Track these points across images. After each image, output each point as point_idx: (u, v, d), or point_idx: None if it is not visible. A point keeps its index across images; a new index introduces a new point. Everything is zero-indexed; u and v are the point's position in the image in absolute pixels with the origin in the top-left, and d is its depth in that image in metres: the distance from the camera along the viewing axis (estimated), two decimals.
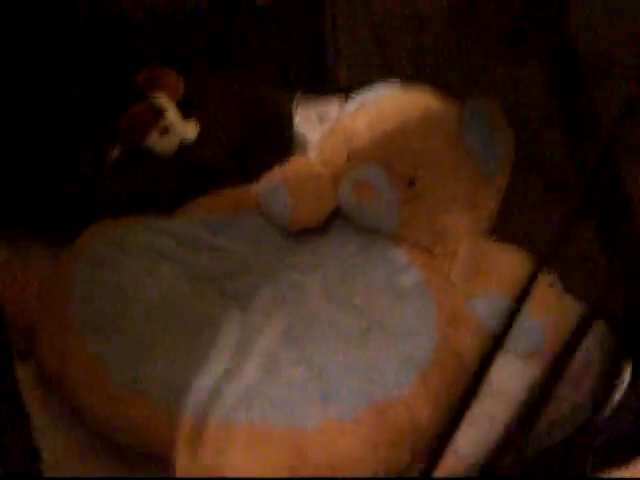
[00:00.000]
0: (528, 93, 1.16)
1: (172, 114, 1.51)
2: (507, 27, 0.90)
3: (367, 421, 0.90)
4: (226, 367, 0.97)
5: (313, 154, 1.41)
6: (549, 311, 1.08)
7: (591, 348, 1.06)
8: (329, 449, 0.87)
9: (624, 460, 0.94)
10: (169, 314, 1.07)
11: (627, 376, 1.01)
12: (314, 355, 0.99)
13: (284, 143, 1.58)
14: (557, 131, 1.10)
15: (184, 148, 1.50)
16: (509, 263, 1.13)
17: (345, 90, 1.68)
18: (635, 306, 0.97)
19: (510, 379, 1.02)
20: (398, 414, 0.92)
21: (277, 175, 1.31)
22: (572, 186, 1.09)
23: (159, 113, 1.50)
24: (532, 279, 0.93)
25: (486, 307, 1.08)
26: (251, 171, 1.41)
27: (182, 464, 0.86)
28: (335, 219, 1.28)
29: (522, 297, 0.92)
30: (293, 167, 1.33)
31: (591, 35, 1.03)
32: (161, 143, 1.49)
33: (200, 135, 1.52)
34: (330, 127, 1.41)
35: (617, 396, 0.97)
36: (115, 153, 1.47)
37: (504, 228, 1.22)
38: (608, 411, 0.96)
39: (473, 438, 0.93)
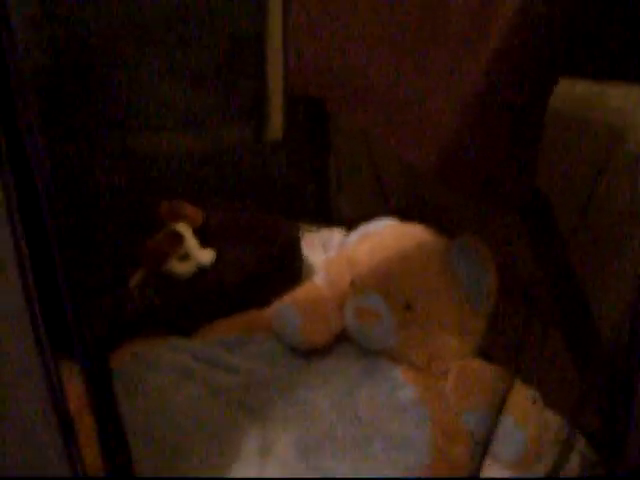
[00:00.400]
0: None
1: (190, 241, 1.66)
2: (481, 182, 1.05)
3: None
4: (244, 472, 1.09)
5: (319, 278, 1.55)
6: (531, 423, 1.20)
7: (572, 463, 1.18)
8: None
9: None
10: (194, 425, 1.19)
11: None
12: (324, 463, 1.11)
13: (293, 269, 1.73)
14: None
15: (201, 272, 1.64)
16: (494, 381, 1.27)
17: (346, 221, 1.85)
18: (608, 417, 1.08)
19: None
20: None
21: (288, 299, 1.45)
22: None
23: (179, 240, 1.65)
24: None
25: (477, 421, 1.21)
26: (264, 295, 1.56)
27: None
28: (341, 340, 1.41)
29: (500, 407, 1.05)
30: (302, 292, 1.48)
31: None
32: (180, 268, 1.63)
33: (216, 261, 1.66)
34: (335, 255, 1.57)
35: None
36: (139, 276, 1.62)
37: (490, 346, 1.35)
38: None
39: None
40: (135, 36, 1.51)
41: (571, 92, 1.12)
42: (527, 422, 1.20)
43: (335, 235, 1.90)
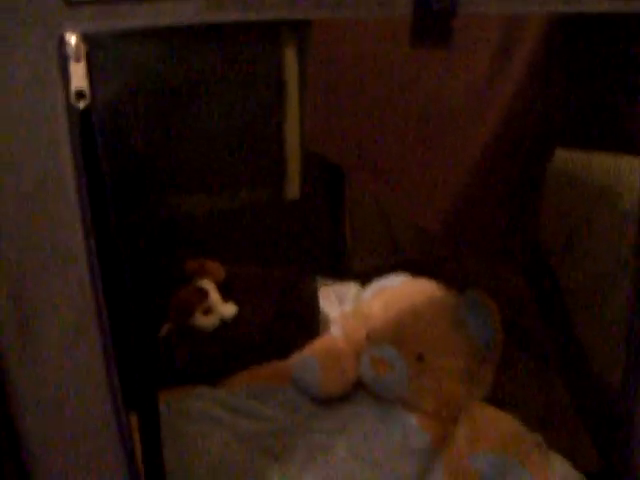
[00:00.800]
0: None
1: (214, 296, 1.75)
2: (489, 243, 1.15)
3: None
4: None
5: (335, 331, 1.65)
6: (538, 467, 1.28)
7: None
8: None
9: None
10: (223, 469, 1.28)
11: None
12: None
13: (311, 322, 1.82)
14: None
15: (224, 326, 1.73)
16: (502, 426, 1.35)
17: (361, 275, 1.95)
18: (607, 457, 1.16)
19: None
20: None
21: (308, 351, 1.55)
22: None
23: (203, 295, 1.74)
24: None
25: (485, 463, 1.29)
26: (283, 347, 1.65)
27: None
28: (357, 389, 1.50)
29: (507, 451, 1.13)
30: (321, 344, 1.58)
31: None
32: (204, 321, 1.72)
33: (237, 315, 1.76)
34: (351, 310, 1.66)
35: None
36: (166, 329, 1.72)
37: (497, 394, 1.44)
38: None
39: None
40: (175, 103, 1.61)
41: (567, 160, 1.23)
42: (532, 465, 1.28)
43: (350, 288, 1.99)
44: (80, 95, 0.56)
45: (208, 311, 1.73)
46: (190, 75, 1.68)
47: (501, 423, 1.36)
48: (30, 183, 0.57)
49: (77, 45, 0.54)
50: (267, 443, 1.37)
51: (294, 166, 2.01)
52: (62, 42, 0.54)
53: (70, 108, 0.56)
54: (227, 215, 1.96)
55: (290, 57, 1.92)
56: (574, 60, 0.99)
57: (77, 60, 0.55)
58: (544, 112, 1.02)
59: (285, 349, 1.64)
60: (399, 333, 1.46)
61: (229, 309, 1.74)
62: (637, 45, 0.89)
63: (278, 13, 0.63)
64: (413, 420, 1.41)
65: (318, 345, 1.58)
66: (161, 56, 1.29)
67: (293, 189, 2.03)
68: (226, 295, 1.77)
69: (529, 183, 1.11)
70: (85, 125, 0.56)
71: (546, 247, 1.22)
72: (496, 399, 1.44)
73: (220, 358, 1.66)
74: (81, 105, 0.56)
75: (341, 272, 2.09)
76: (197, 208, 1.94)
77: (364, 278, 1.80)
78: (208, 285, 1.78)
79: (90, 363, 0.65)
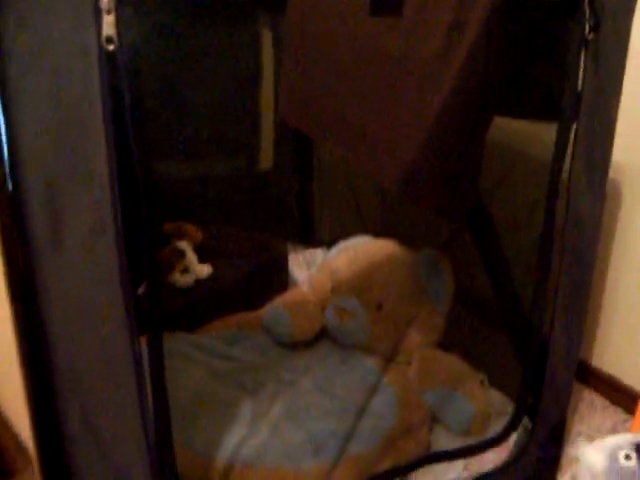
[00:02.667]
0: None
1: (191, 257, 1.88)
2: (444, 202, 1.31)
3: (345, 467, 1.26)
4: (244, 433, 1.33)
5: (304, 287, 1.80)
6: (478, 400, 1.46)
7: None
8: None
9: None
10: (200, 399, 1.43)
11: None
12: (309, 424, 1.35)
13: (280, 283, 1.97)
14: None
15: (199, 284, 1.87)
16: (449, 366, 1.52)
17: (327, 243, 2.10)
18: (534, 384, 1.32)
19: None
20: (367, 463, 1.28)
21: (278, 302, 1.71)
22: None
23: (181, 255, 1.87)
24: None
25: (435, 397, 1.46)
26: (255, 303, 1.80)
27: None
28: (323, 336, 1.67)
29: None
30: (290, 296, 1.73)
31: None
32: (181, 280, 1.85)
33: (212, 275, 1.89)
34: (318, 267, 1.82)
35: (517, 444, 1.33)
36: (144, 287, 1.85)
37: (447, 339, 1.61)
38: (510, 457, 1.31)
39: None
40: (163, 78, 1.73)
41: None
42: (475, 398, 1.46)
43: (317, 255, 2.15)
44: (109, 40, 0.71)
45: (185, 270, 1.85)
46: (182, 47, 1.80)
47: (449, 363, 1.54)
48: (66, 106, 0.72)
49: (108, 1, 0.70)
50: (239, 379, 1.52)
51: (268, 138, 2.15)
52: None
53: (101, 50, 0.71)
54: (205, 182, 2.08)
55: (266, 35, 2.06)
56: (508, 36, 1.15)
57: (108, 12, 0.70)
58: (488, 82, 1.18)
59: (256, 303, 1.79)
60: (361, 285, 1.63)
61: (205, 269, 1.88)
62: (556, 26, 1.05)
63: None
64: (371, 362, 1.57)
65: (287, 296, 1.73)
66: (173, 20, 1.43)
67: (267, 159, 2.18)
68: (202, 256, 1.90)
69: (474, 146, 1.27)
70: (111, 64, 0.72)
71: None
72: (446, 344, 1.60)
73: (196, 311, 1.80)
74: (110, 48, 0.71)
75: (310, 239, 2.24)
76: (177, 174, 2.05)
77: (331, 244, 1.93)
78: (186, 246, 1.90)
79: (107, 261, 0.79)
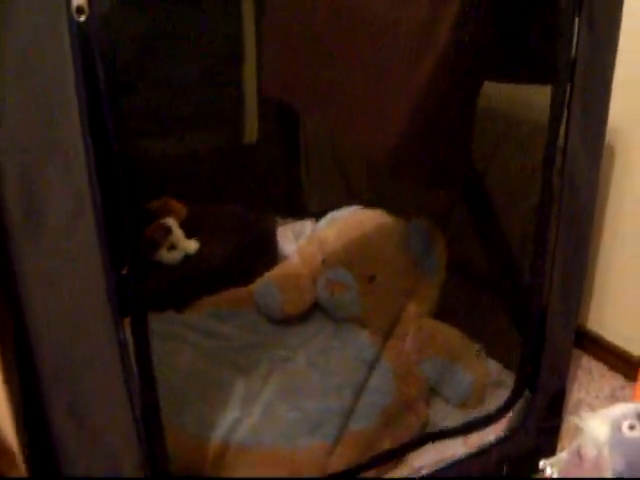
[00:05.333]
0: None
1: (177, 233, 1.85)
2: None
3: (345, 444, 1.24)
4: (237, 414, 1.30)
5: (294, 260, 1.77)
6: (476, 370, 1.43)
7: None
8: (316, 461, 1.20)
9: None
10: (192, 380, 1.40)
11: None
12: (302, 403, 1.32)
13: (269, 256, 1.93)
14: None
15: (187, 260, 1.83)
16: (446, 337, 1.50)
17: (315, 214, 2.07)
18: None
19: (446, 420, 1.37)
20: (368, 439, 1.26)
21: (268, 277, 1.67)
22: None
23: (167, 232, 1.83)
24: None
25: (432, 368, 1.44)
26: (245, 277, 1.76)
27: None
28: (314, 310, 1.63)
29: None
30: (280, 270, 1.70)
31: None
32: (168, 256, 1.82)
33: (200, 250, 1.86)
34: (307, 238, 1.79)
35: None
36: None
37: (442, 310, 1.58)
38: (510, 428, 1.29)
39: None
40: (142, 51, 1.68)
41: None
42: (472, 369, 1.43)
43: (306, 226, 2.11)
44: (80, 10, 0.66)
45: (172, 247, 1.82)
46: (164, 15, 1.75)
47: (445, 334, 1.51)
48: (38, 82, 0.67)
49: None
50: (231, 358, 1.49)
51: (252, 111, 2.10)
52: None
53: (71, 21, 0.67)
54: (190, 157, 2.05)
55: (247, 8, 2.01)
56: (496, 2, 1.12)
57: None
58: (477, 46, 1.14)
59: (246, 278, 1.75)
60: (352, 257, 1.59)
61: (192, 245, 1.84)
62: None
63: None
64: (365, 336, 1.55)
65: (277, 271, 1.70)
66: None
67: (251, 133, 2.13)
68: (189, 232, 1.86)
69: (464, 114, 1.24)
70: (83, 35, 0.67)
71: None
72: (441, 315, 1.57)
73: (184, 288, 1.77)
74: (81, 19, 0.67)
75: (298, 211, 2.21)
76: (161, 150, 2.00)
77: (320, 216, 1.90)
78: (172, 223, 1.86)
79: (87, 244, 0.75)
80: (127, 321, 0.91)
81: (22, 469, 0.92)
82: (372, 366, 1.46)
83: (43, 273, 0.75)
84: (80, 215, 0.74)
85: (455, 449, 1.28)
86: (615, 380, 1.60)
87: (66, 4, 0.66)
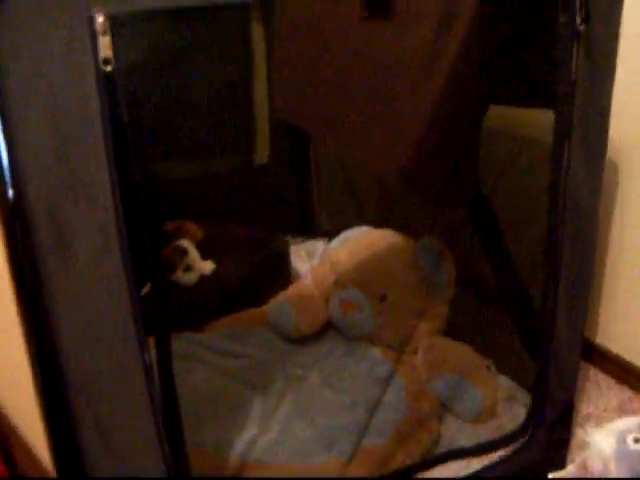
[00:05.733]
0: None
1: (193, 254, 1.89)
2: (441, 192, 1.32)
3: (360, 460, 1.28)
4: (254, 431, 1.35)
5: (307, 280, 1.81)
6: (486, 386, 1.47)
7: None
8: (331, 478, 1.24)
9: None
10: (209, 399, 1.44)
11: None
12: (319, 420, 1.37)
13: (283, 276, 1.98)
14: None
15: (203, 281, 1.87)
16: (456, 353, 1.54)
17: (327, 233, 2.11)
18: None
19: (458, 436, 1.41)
20: (381, 456, 1.30)
21: (282, 297, 1.72)
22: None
23: (183, 253, 1.88)
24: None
25: (443, 385, 1.47)
26: (258, 298, 1.81)
27: None
28: (328, 329, 1.68)
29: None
30: (294, 290, 1.75)
31: None
32: (185, 278, 1.86)
33: (216, 271, 1.90)
34: (319, 259, 1.83)
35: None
36: (148, 287, 1.86)
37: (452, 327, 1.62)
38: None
39: None
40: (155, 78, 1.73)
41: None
42: (483, 385, 1.47)
43: (318, 246, 2.16)
44: (106, 61, 0.72)
45: (188, 268, 1.86)
46: (177, 50, 1.81)
47: (455, 351, 1.55)
48: (68, 127, 0.72)
49: (104, 23, 0.70)
50: (247, 377, 1.53)
51: (263, 132, 2.16)
52: (92, 20, 0.70)
53: (99, 71, 0.72)
54: (203, 179, 2.10)
55: (257, 32, 2.07)
56: (501, 30, 1.16)
57: (103, 34, 0.70)
58: (480, 73, 1.19)
59: (260, 299, 1.80)
60: (364, 277, 1.64)
61: (208, 266, 1.89)
62: (548, 18, 1.05)
63: None
64: (378, 353, 1.59)
65: (291, 291, 1.74)
66: (162, 33, 1.43)
67: (262, 154, 2.18)
68: (205, 253, 1.91)
69: (470, 135, 1.28)
70: (109, 84, 0.72)
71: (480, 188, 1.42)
72: (451, 332, 1.62)
73: (201, 309, 1.81)
74: (107, 69, 0.72)
75: (310, 230, 2.25)
76: (176, 173, 2.06)
77: (331, 235, 1.94)
78: (187, 245, 1.91)
79: (114, 277, 0.80)
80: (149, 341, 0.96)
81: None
82: (385, 383, 1.50)
83: (72, 295, 0.80)
84: (107, 251, 0.79)
85: (466, 461, 1.31)
86: (623, 393, 1.63)
87: (93, 55, 0.71)
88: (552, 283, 1.19)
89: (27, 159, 0.75)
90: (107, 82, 0.72)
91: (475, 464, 1.31)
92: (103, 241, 0.78)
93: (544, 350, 1.25)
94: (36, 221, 0.77)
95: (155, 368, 0.98)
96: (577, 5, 1.00)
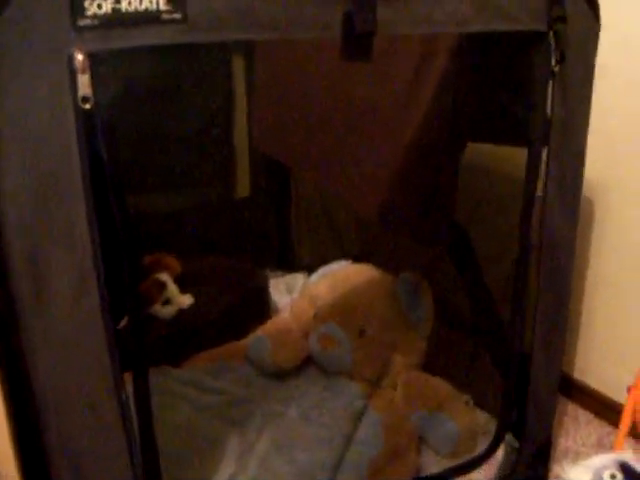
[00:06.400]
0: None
1: (171, 288, 1.88)
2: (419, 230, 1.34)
3: None
4: (232, 470, 1.34)
5: (286, 314, 1.81)
6: (463, 420, 1.47)
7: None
8: None
9: None
10: (186, 435, 1.43)
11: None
12: (297, 456, 1.36)
13: (262, 309, 1.98)
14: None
15: (181, 314, 1.87)
16: (434, 388, 1.54)
17: (306, 267, 2.11)
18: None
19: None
20: None
21: (260, 331, 1.71)
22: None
23: (161, 287, 1.87)
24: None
25: (421, 419, 1.47)
26: (237, 332, 1.80)
27: None
28: (307, 363, 1.67)
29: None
30: (272, 325, 1.75)
31: None
32: (163, 311, 1.85)
33: (194, 304, 1.89)
34: (299, 293, 1.83)
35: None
36: (125, 321, 1.85)
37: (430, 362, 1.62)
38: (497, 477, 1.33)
39: None
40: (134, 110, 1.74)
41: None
42: (460, 419, 1.47)
43: (298, 279, 2.16)
44: (85, 99, 0.72)
45: (167, 302, 1.85)
46: (158, 85, 1.81)
47: (433, 385, 1.55)
48: (46, 167, 0.72)
49: (83, 61, 0.70)
50: (226, 413, 1.52)
51: (243, 166, 2.17)
52: (71, 59, 0.70)
53: (77, 109, 0.72)
54: (183, 213, 2.10)
55: (238, 67, 2.08)
56: (476, 69, 1.18)
57: (83, 72, 0.71)
58: (457, 112, 1.21)
59: (239, 333, 1.79)
60: (343, 311, 1.64)
61: (186, 299, 1.88)
62: (524, 58, 1.07)
63: (230, 35, 0.81)
64: (356, 388, 1.58)
65: (270, 326, 1.74)
66: (145, 70, 1.44)
67: (243, 187, 2.19)
68: (183, 286, 1.90)
69: (448, 173, 1.30)
70: (89, 122, 0.72)
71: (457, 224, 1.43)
72: (429, 367, 1.62)
73: (179, 343, 1.80)
74: (86, 107, 0.72)
75: (289, 264, 2.25)
76: (154, 206, 2.05)
77: (311, 269, 1.95)
78: (166, 278, 1.90)
79: (91, 317, 0.80)
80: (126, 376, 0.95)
81: None
82: (362, 417, 1.50)
83: (47, 335, 0.80)
84: (84, 292, 0.79)
85: None
86: (602, 428, 1.64)
87: (72, 94, 0.71)
88: (520, 313, 1.20)
89: (5, 199, 0.75)
90: (86, 120, 0.72)
91: None
92: (80, 281, 0.78)
93: (518, 382, 1.25)
94: (14, 262, 0.77)
95: (132, 404, 0.97)
96: (552, 45, 1.02)
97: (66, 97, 0.72)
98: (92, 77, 0.72)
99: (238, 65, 2.09)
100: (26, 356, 0.80)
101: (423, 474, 1.39)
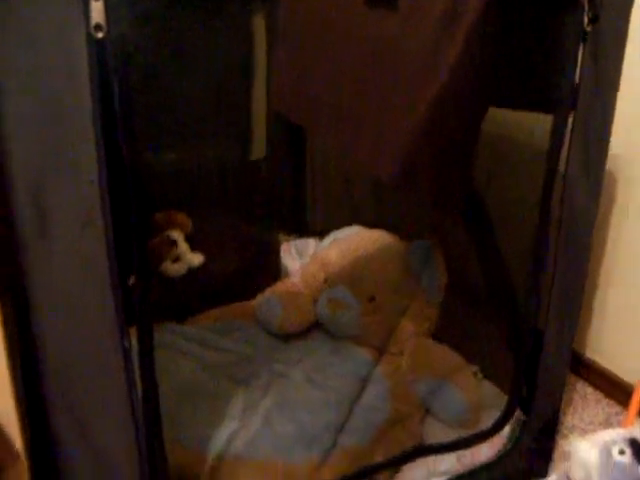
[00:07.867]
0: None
1: (182, 245, 1.86)
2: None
3: (337, 459, 1.25)
4: (235, 426, 1.32)
5: (296, 278, 1.79)
6: (471, 391, 1.45)
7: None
8: (311, 474, 1.22)
9: None
10: (190, 391, 1.41)
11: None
12: (300, 416, 1.34)
13: (271, 272, 1.96)
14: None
15: (191, 273, 1.85)
16: (442, 357, 1.51)
17: (319, 232, 2.09)
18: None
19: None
20: (359, 455, 1.27)
21: (270, 293, 1.69)
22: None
23: (172, 244, 1.85)
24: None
25: (425, 387, 1.45)
26: (245, 293, 1.79)
27: None
28: (314, 327, 1.65)
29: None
30: (282, 288, 1.72)
31: None
32: (173, 268, 1.84)
33: (204, 264, 1.88)
34: (310, 258, 1.81)
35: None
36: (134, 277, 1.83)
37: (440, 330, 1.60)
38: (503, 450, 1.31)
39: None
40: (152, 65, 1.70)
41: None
42: (467, 390, 1.44)
43: (309, 244, 2.13)
44: (98, 28, 0.69)
45: (177, 259, 1.84)
46: (174, 30, 1.77)
47: (441, 354, 1.53)
48: (54, 96, 0.70)
49: None
50: (231, 371, 1.50)
51: (260, 127, 2.13)
52: None
53: (90, 38, 0.69)
54: (197, 171, 2.06)
55: (259, 27, 2.04)
56: (504, 26, 1.14)
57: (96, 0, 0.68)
58: (484, 71, 1.17)
59: (248, 293, 1.78)
60: (353, 277, 1.62)
61: (196, 258, 1.85)
62: (555, 18, 1.03)
63: None
64: (363, 353, 1.57)
65: (279, 288, 1.72)
66: (161, 10, 1.41)
67: (258, 148, 2.16)
68: (194, 245, 1.88)
69: (469, 136, 1.26)
70: (100, 53, 0.70)
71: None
72: (440, 336, 1.59)
73: (188, 301, 1.79)
74: (99, 35, 0.69)
75: (301, 228, 2.23)
76: (168, 163, 2.02)
77: (322, 234, 1.93)
78: (177, 236, 1.88)
79: (95, 251, 0.78)
80: (131, 331, 0.93)
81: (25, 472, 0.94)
82: (368, 382, 1.48)
83: (51, 279, 0.78)
84: (89, 224, 0.76)
85: (449, 467, 1.29)
86: (610, 407, 1.61)
87: (85, 21, 0.68)
88: (537, 283, 1.17)
89: (9, 130, 0.73)
90: (98, 50, 0.70)
91: (457, 467, 1.29)
92: (85, 213, 0.76)
93: (530, 356, 1.23)
94: (19, 202, 0.75)
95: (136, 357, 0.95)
96: (585, 5, 0.98)
97: (78, 24, 0.69)
98: (106, 4, 0.68)
99: (259, 25, 2.05)
100: (28, 291, 0.78)
101: (426, 443, 1.37)
